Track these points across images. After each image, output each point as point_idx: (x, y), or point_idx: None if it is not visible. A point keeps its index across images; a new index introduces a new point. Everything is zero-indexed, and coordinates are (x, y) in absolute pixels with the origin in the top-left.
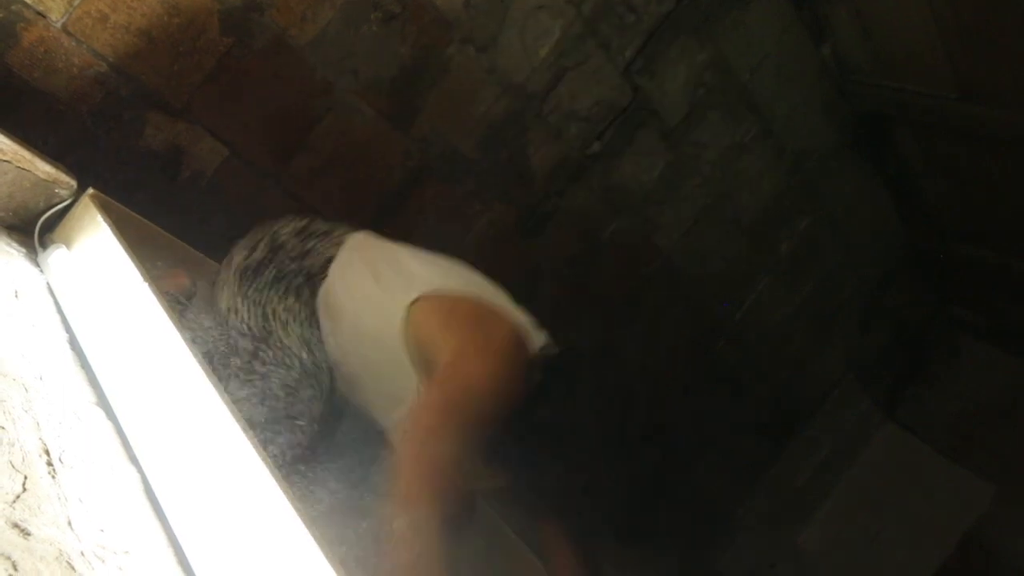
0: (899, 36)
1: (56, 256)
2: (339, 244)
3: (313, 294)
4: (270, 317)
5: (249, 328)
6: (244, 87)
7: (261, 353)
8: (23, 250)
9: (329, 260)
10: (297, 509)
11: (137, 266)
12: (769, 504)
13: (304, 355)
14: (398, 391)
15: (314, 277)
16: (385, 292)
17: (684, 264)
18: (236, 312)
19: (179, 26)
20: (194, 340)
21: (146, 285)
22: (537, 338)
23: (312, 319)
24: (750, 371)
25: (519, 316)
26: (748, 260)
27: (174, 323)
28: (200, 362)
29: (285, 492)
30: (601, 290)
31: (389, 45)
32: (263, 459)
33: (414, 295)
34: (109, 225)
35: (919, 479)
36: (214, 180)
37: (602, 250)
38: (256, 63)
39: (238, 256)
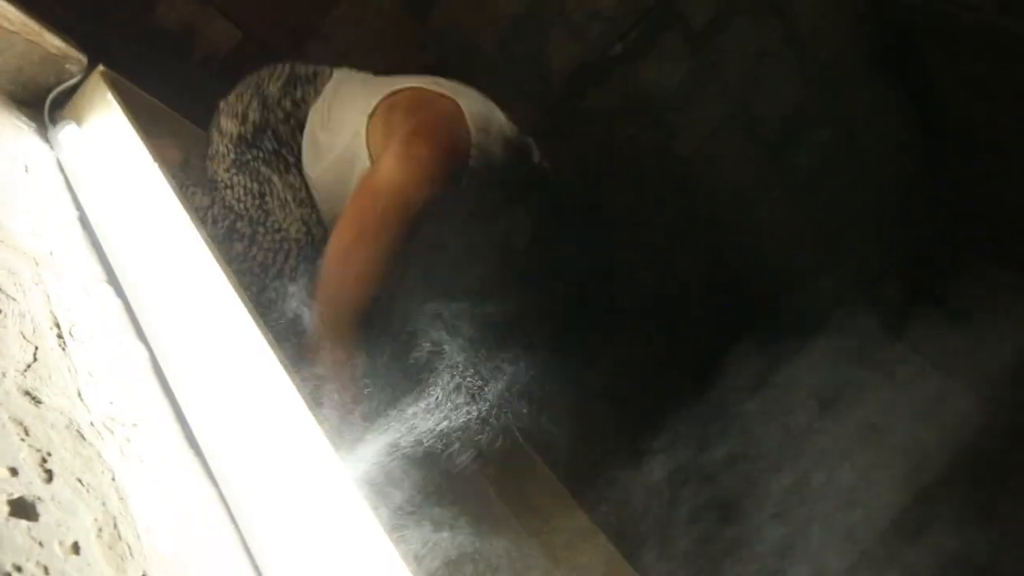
0: None
1: (66, 132)
2: (326, 83)
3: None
4: (267, 196)
5: (246, 208)
6: None
7: (259, 237)
8: (33, 125)
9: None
10: (297, 385)
11: (147, 145)
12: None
13: (302, 237)
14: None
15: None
16: (353, 110)
17: (701, 173)
18: (232, 189)
19: None
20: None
21: (156, 165)
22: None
23: (309, 191)
24: (758, 282)
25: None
26: (766, 170)
27: (182, 202)
28: (206, 240)
29: (284, 365)
30: (617, 199)
31: None
32: (264, 335)
33: (374, 102)
34: (119, 103)
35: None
36: (226, 62)
37: (618, 156)
38: None
39: (230, 124)
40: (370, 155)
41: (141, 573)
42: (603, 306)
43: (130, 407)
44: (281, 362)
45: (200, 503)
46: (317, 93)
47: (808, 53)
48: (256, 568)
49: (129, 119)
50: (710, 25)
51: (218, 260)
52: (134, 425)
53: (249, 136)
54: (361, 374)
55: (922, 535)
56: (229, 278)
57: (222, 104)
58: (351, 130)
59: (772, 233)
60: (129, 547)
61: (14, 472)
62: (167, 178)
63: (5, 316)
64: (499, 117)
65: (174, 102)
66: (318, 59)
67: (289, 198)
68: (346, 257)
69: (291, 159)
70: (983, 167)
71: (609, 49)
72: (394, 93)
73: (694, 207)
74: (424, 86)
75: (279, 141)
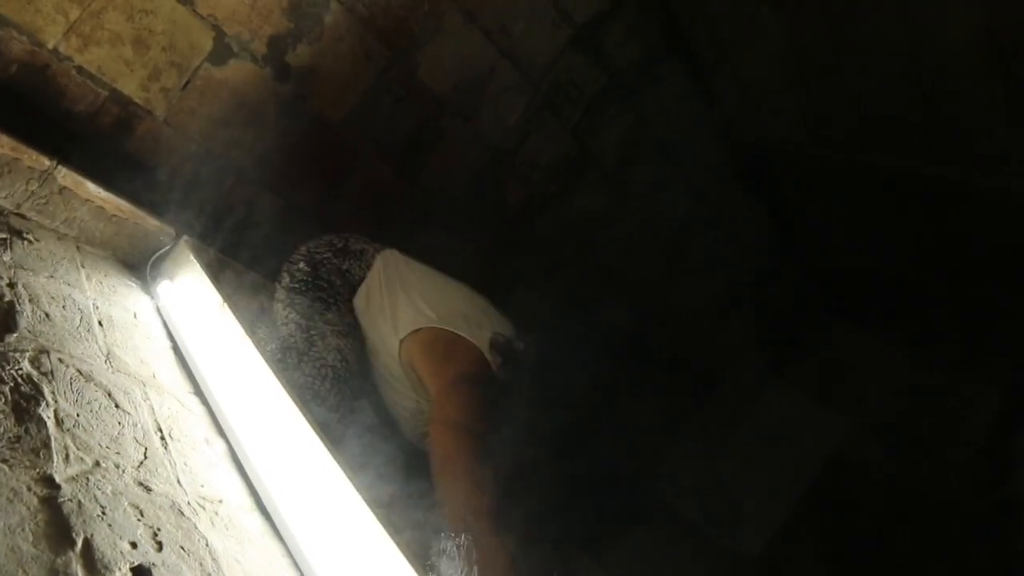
0: (765, 98)
1: (162, 286)
2: (370, 266)
3: (349, 303)
4: (311, 331)
5: (295, 341)
6: (295, 154)
7: (303, 364)
8: (139, 282)
9: (363, 279)
10: (341, 464)
11: (220, 293)
12: None
13: (338, 364)
14: (398, 391)
15: (352, 290)
16: (387, 323)
17: (621, 277)
18: (286, 325)
19: (247, 114)
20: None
21: (226, 306)
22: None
23: (348, 328)
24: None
25: (483, 340)
26: (665, 267)
27: (247, 335)
28: (268, 361)
29: (332, 454)
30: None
31: (399, 119)
32: (317, 433)
33: (403, 334)
34: (199, 263)
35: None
36: (273, 223)
37: (565, 263)
38: (303, 137)
39: (286, 277)
40: (399, 361)
41: None
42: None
43: (216, 487)
44: (318, 435)
45: (272, 557)
46: (365, 268)
47: (692, 183)
48: None
49: (206, 273)
50: (618, 164)
51: (276, 376)
52: (220, 501)
53: (299, 285)
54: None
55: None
56: (284, 388)
57: (285, 264)
58: (384, 336)
59: (679, 307)
60: None
61: (134, 545)
62: (235, 316)
63: (123, 426)
64: (500, 324)
65: (238, 257)
66: (339, 215)
67: (328, 332)
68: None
69: (332, 304)
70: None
71: (548, 188)
72: (422, 330)
73: (616, 305)
74: (450, 328)
75: (323, 292)
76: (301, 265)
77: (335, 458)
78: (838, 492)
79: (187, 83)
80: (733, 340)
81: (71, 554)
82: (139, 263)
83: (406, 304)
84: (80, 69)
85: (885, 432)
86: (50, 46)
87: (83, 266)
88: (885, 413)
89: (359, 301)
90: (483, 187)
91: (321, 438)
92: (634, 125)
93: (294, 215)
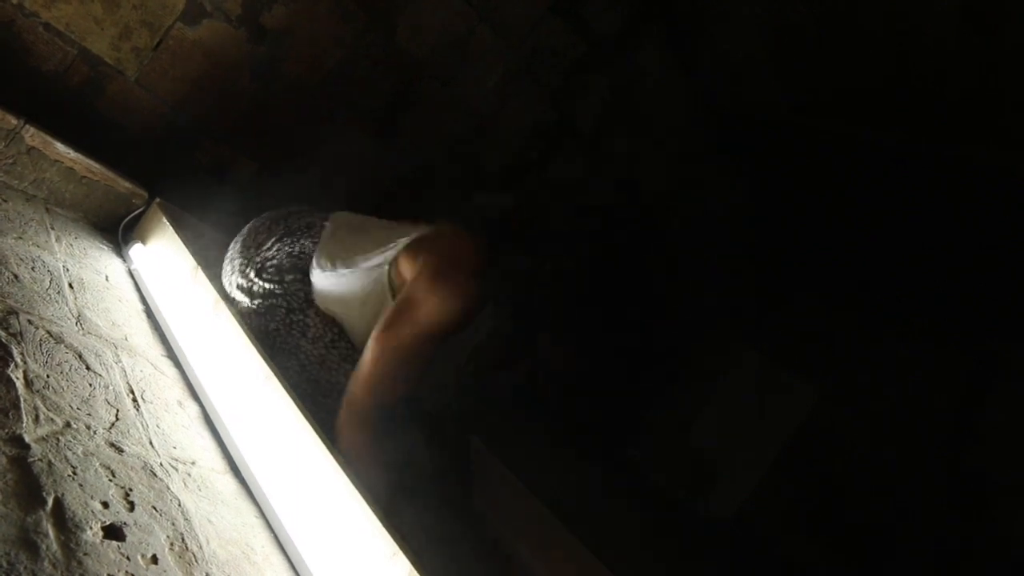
0: (746, 67)
1: (134, 249)
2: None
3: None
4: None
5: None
6: (270, 119)
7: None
8: (111, 245)
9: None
10: (312, 425)
11: (192, 254)
12: None
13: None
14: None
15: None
16: (364, 256)
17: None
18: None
19: (220, 76)
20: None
21: (199, 270)
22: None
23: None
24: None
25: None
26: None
27: (220, 296)
28: (239, 322)
29: (306, 417)
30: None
31: (376, 83)
32: (290, 394)
33: (391, 254)
34: (172, 225)
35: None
36: (247, 185)
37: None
38: (278, 99)
39: (248, 299)
40: (391, 289)
41: (205, 574)
42: None
43: (188, 449)
44: (301, 411)
45: (245, 518)
46: (317, 239)
47: (670, 151)
48: (291, 565)
49: (179, 236)
50: (597, 132)
51: (245, 332)
52: (192, 463)
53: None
54: (381, 455)
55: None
56: (254, 344)
57: (239, 280)
58: (370, 275)
59: (653, 275)
60: (195, 556)
61: (105, 505)
62: (207, 277)
63: (95, 388)
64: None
65: (211, 217)
66: (313, 180)
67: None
68: (391, 371)
69: (303, 308)
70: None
71: (527, 155)
72: (419, 237)
73: (589, 274)
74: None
75: (285, 300)
76: (249, 267)
77: (307, 419)
78: (808, 459)
79: (159, 43)
80: (704, 309)
81: (41, 512)
82: (111, 226)
83: (383, 231)
84: (47, 26)
85: (854, 401)
86: (14, 0)
87: (52, 228)
88: (854, 383)
89: (319, 262)
90: (460, 152)
91: (293, 399)
92: (613, 92)
93: (268, 177)
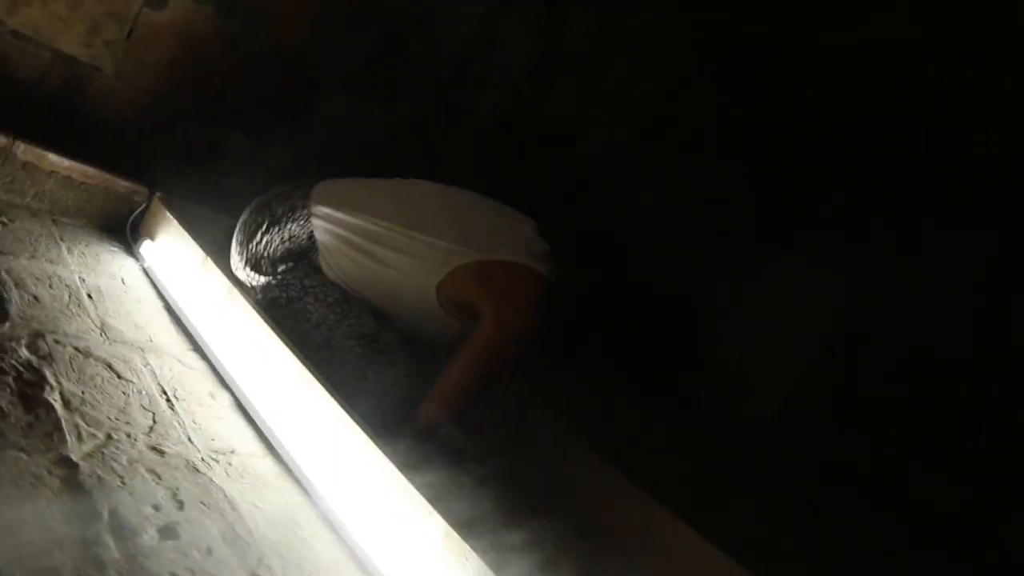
0: None
1: (144, 246)
2: (309, 217)
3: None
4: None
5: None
6: (253, 91)
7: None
8: (121, 246)
9: (311, 239)
10: (342, 404)
11: (200, 245)
12: None
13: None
14: (426, 319)
15: (310, 251)
16: (415, 263)
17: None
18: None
19: (195, 56)
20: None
21: (209, 260)
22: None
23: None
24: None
25: (532, 262)
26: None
27: (228, 279)
28: (255, 307)
29: (327, 389)
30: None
31: (356, 42)
32: (314, 374)
33: (448, 269)
34: (176, 218)
35: None
36: (243, 162)
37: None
38: (260, 72)
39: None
40: (440, 300)
41: (258, 557)
42: None
43: (226, 439)
44: (328, 390)
45: (289, 497)
46: (305, 223)
47: (668, 67)
48: (337, 535)
49: (185, 229)
50: (589, 56)
51: (260, 315)
52: (232, 452)
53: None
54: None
55: None
56: (272, 329)
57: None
58: (419, 280)
59: (669, 216)
60: (246, 542)
61: (157, 508)
62: (216, 266)
63: (128, 396)
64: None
65: (208, 199)
66: (309, 147)
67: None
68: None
69: (307, 295)
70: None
71: (520, 90)
72: (465, 266)
73: (604, 202)
74: (514, 260)
75: (289, 291)
76: (262, 280)
77: (330, 393)
78: (844, 353)
79: (130, 32)
80: (723, 217)
81: (99, 526)
82: (118, 226)
83: (420, 242)
84: (15, 33)
85: (883, 294)
86: None
87: (62, 240)
88: (883, 275)
89: (326, 261)
90: (453, 100)
91: (314, 375)
92: (599, 11)
93: (262, 150)
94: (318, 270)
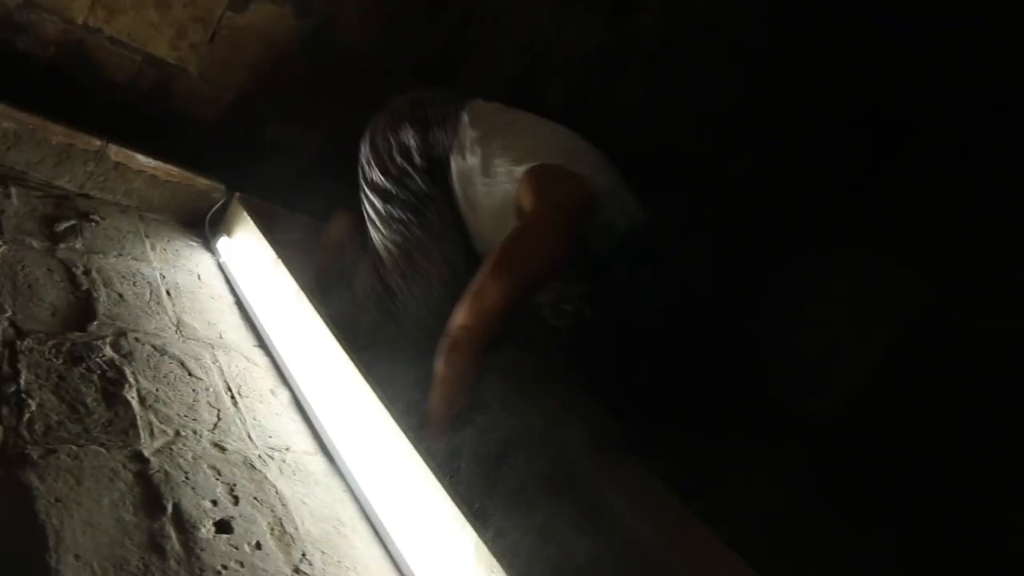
0: None
1: (222, 243)
2: (457, 130)
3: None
4: (412, 250)
5: (397, 266)
6: (328, 88)
7: (413, 287)
8: (199, 240)
9: (452, 144)
10: (388, 408)
11: (272, 245)
12: None
13: (446, 274)
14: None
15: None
16: (505, 169)
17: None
18: (387, 251)
19: (274, 56)
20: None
21: (280, 262)
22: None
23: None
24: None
25: (592, 182)
26: None
27: (300, 285)
28: (323, 314)
29: (383, 400)
30: None
31: (427, 35)
32: (365, 377)
33: (520, 170)
34: (252, 218)
35: None
36: (321, 160)
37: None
38: (334, 67)
39: (375, 176)
40: (518, 208)
41: (301, 553)
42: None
43: (282, 437)
44: (379, 397)
45: (335, 495)
46: (455, 134)
47: (739, 64)
48: (376, 534)
49: (259, 228)
50: (659, 49)
51: (326, 321)
52: (287, 449)
53: (392, 190)
54: (476, 382)
55: None
56: (334, 333)
57: (363, 161)
58: (504, 189)
59: (737, 190)
60: (292, 537)
61: (215, 503)
62: (287, 266)
63: (197, 393)
64: (623, 199)
65: (283, 192)
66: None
67: (431, 244)
68: (502, 291)
69: (430, 202)
70: None
71: (588, 81)
72: (539, 167)
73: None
74: (565, 164)
75: (415, 191)
76: (390, 159)
77: (378, 396)
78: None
79: (213, 35)
80: (794, 213)
81: (163, 519)
82: (198, 221)
83: (522, 145)
84: (112, 39)
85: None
86: (79, 21)
87: (147, 236)
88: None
89: (465, 164)
90: (521, 91)
91: (366, 377)
92: (671, 4)
93: (340, 148)
94: (446, 186)
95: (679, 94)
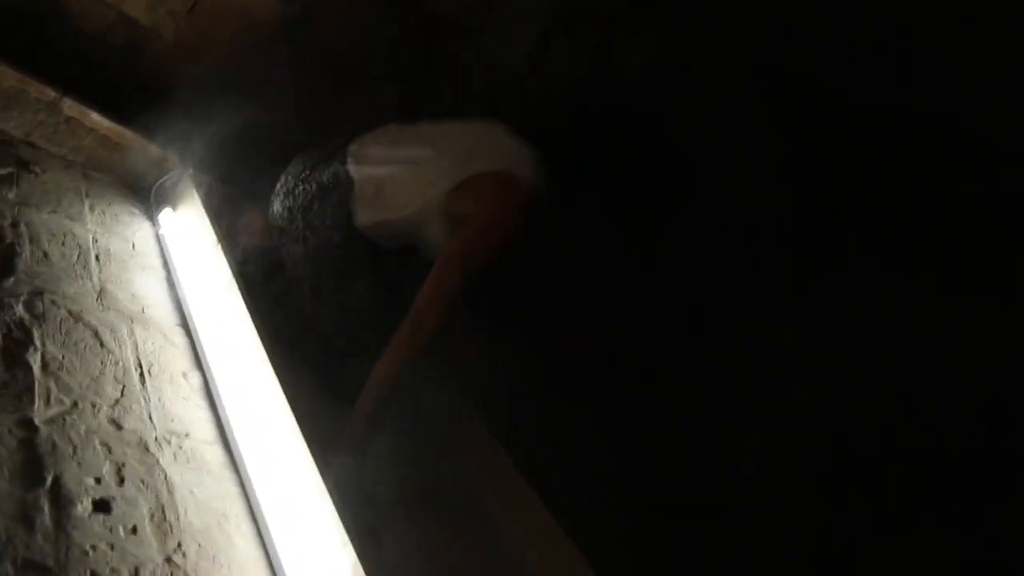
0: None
1: (164, 215)
2: (349, 174)
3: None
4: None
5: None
6: (304, 80)
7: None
8: (141, 208)
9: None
10: (294, 410)
11: (216, 229)
12: None
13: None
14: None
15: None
16: (423, 178)
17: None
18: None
19: (255, 37)
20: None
21: (220, 247)
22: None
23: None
24: None
25: (529, 177)
26: None
27: (235, 273)
28: (250, 307)
29: (290, 401)
30: None
31: (405, 40)
32: (278, 375)
33: (445, 188)
34: (200, 196)
35: None
36: (281, 148)
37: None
38: (312, 59)
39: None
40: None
41: (177, 543)
42: None
43: (184, 422)
44: (289, 398)
45: (226, 488)
46: (347, 186)
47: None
48: (259, 533)
49: (206, 208)
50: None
51: (251, 311)
52: (186, 435)
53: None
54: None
55: None
56: (256, 323)
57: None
58: (417, 205)
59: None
60: (171, 525)
61: (98, 481)
62: (225, 252)
63: (105, 365)
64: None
65: (242, 168)
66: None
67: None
68: (443, 300)
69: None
70: None
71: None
72: (476, 177)
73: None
74: (495, 170)
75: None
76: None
77: (287, 396)
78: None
79: (194, 5)
80: (756, 252)
81: (40, 491)
82: (143, 189)
83: (425, 165)
84: None
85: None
86: None
87: (87, 195)
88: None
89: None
90: (498, 111)
91: (281, 380)
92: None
93: (305, 140)
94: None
95: None
